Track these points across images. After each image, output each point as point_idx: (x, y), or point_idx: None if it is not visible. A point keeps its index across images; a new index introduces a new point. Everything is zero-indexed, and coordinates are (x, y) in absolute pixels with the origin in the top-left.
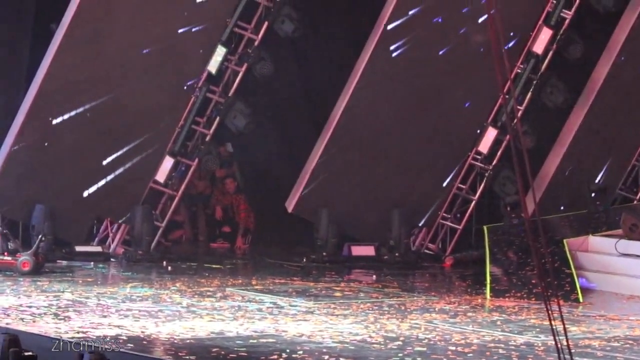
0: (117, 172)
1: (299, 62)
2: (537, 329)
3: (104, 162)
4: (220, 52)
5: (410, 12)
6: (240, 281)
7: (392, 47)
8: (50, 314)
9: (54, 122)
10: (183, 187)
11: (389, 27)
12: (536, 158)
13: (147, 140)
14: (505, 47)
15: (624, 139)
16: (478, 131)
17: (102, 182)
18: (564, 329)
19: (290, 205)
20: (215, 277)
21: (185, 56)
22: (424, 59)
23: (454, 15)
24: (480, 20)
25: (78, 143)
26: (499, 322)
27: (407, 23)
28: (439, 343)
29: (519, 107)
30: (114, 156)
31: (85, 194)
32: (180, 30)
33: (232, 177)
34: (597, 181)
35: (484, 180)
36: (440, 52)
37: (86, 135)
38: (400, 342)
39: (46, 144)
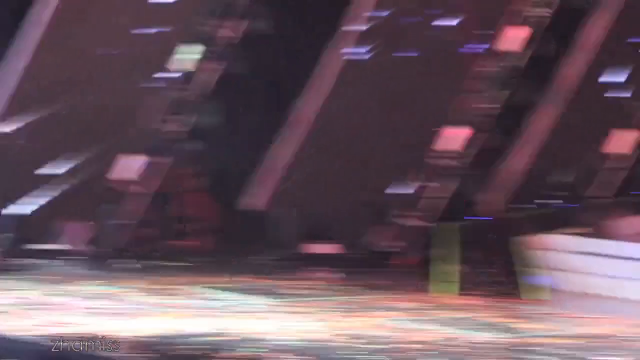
0: (86, 171)
1: (271, 60)
2: (500, 327)
3: (72, 162)
4: (193, 50)
5: (381, 14)
6: (205, 279)
7: (363, 50)
8: (14, 313)
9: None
10: (152, 184)
11: (359, 28)
12: (503, 156)
13: (118, 139)
14: (477, 47)
15: (591, 137)
16: (447, 129)
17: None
18: (526, 326)
19: (258, 203)
20: (181, 275)
21: (156, 56)
22: (396, 60)
23: (425, 17)
24: (452, 21)
25: (50, 143)
26: (461, 320)
27: (379, 25)
28: (403, 341)
29: (490, 105)
30: (83, 155)
31: (51, 194)
32: (152, 31)
33: (197, 175)
34: (561, 179)
35: (450, 179)
36: (412, 54)
37: (55, 136)
38: (364, 340)
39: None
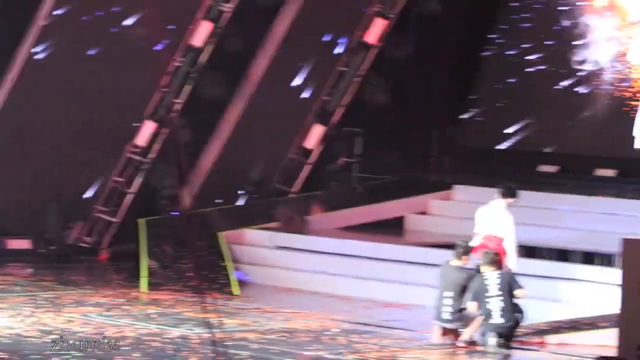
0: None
1: None
2: (193, 322)
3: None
4: None
5: (59, 12)
6: None
7: (44, 47)
8: None
9: None
10: None
11: (42, 24)
12: (194, 151)
13: None
14: (162, 42)
15: (281, 133)
16: (136, 125)
17: None
18: (219, 321)
19: None
20: None
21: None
22: (80, 57)
23: (107, 13)
24: (136, 17)
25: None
26: (154, 315)
27: (59, 22)
28: (94, 336)
29: (177, 100)
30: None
31: None
32: None
33: None
34: (253, 174)
35: (141, 174)
36: (95, 49)
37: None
38: (55, 336)
39: None
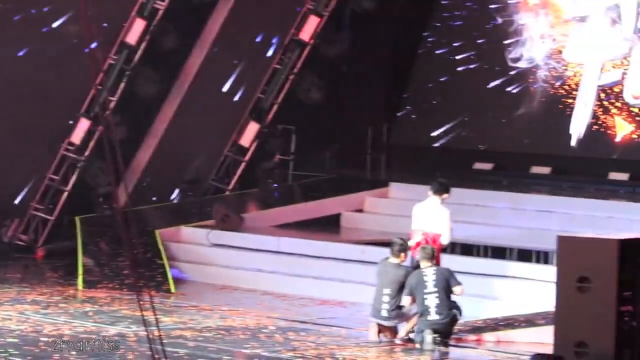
0: None
1: None
2: (129, 320)
3: None
4: None
5: None
6: None
7: None
8: None
9: None
10: None
11: None
12: (129, 149)
13: None
14: (95, 40)
15: (216, 130)
16: (70, 122)
17: None
18: (156, 319)
19: None
20: None
21: None
22: (13, 55)
23: (41, 11)
24: (70, 14)
25: None
26: (90, 313)
27: None
28: (30, 334)
29: (111, 98)
30: None
31: None
32: None
33: None
34: (189, 172)
35: (76, 171)
36: (28, 47)
37: None
38: None
39: None
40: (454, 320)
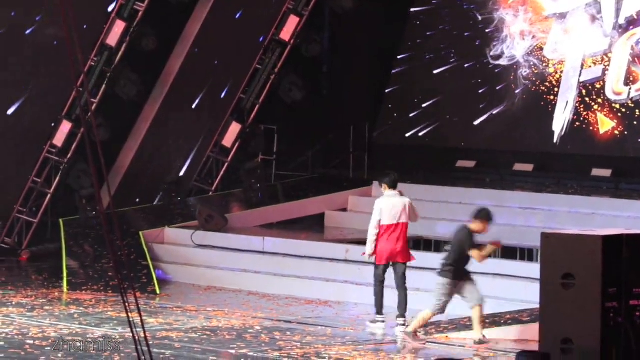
0: None
1: None
2: (115, 321)
3: None
4: None
5: None
6: None
7: None
8: None
9: None
10: None
11: None
12: (111, 151)
13: None
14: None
15: (198, 131)
16: (53, 124)
17: None
18: (141, 321)
19: None
20: None
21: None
22: None
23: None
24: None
25: None
26: (76, 315)
27: None
28: (16, 337)
29: (92, 100)
30: None
31: None
32: None
33: None
34: (172, 173)
35: (59, 174)
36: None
37: None
38: None
39: None
40: None
